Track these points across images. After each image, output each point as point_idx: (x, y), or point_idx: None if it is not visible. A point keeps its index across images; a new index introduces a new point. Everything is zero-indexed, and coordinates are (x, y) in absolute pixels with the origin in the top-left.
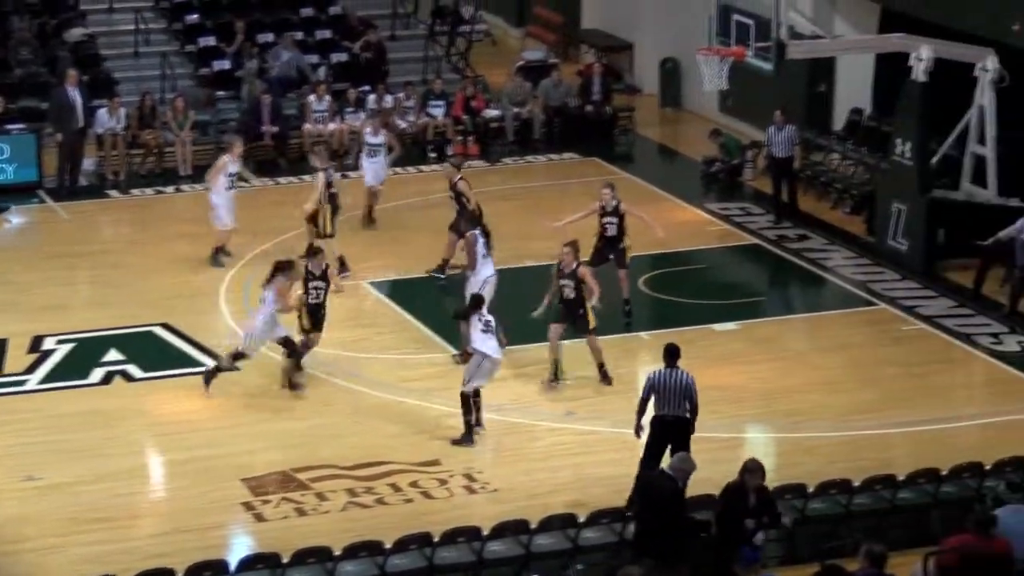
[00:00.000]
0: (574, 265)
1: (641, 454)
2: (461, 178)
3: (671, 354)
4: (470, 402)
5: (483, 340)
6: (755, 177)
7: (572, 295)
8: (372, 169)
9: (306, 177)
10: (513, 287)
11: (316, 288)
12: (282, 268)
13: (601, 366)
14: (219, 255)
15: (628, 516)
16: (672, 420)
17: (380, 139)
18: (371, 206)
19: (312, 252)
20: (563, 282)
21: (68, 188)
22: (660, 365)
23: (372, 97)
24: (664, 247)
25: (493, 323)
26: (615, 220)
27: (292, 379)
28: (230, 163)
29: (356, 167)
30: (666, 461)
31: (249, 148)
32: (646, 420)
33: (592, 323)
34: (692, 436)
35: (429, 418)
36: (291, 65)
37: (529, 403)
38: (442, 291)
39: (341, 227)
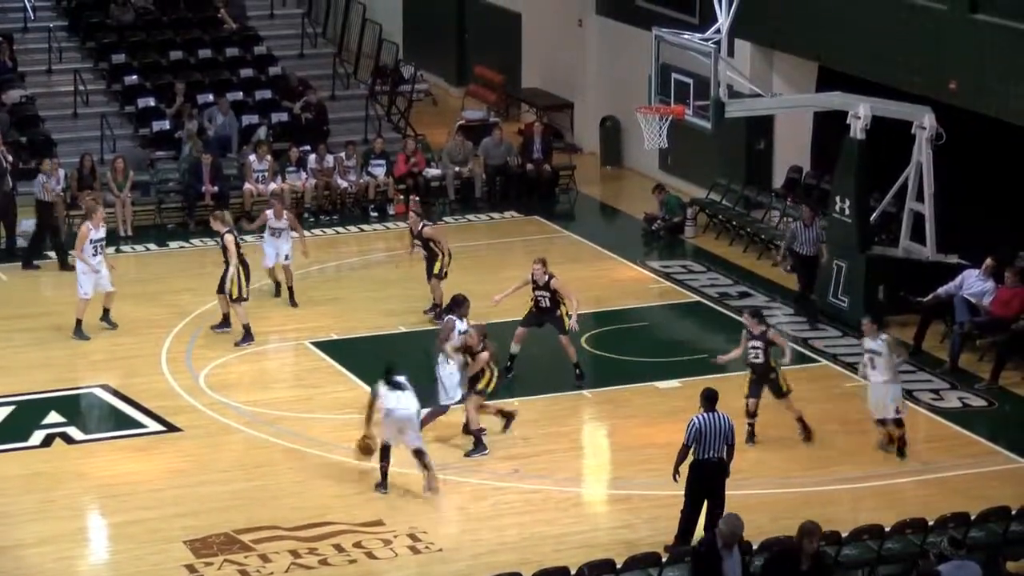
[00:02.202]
0: (546, 278)
1: (684, 500)
2: (425, 224)
3: (710, 399)
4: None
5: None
6: (696, 235)
7: (547, 304)
8: (274, 247)
9: (247, 237)
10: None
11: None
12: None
13: (576, 366)
14: (81, 327)
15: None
16: (715, 463)
17: (283, 223)
18: (290, 285)
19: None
20: (538, 293)
21: (5, 250)
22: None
23: (313, 157)
24: (606, 305)
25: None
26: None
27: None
28: (92, 230)
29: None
30: None
31: (190, 208)
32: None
33: (567, 325)
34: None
35: (372, 478)
36: (227, 127)
37: (474, 462)
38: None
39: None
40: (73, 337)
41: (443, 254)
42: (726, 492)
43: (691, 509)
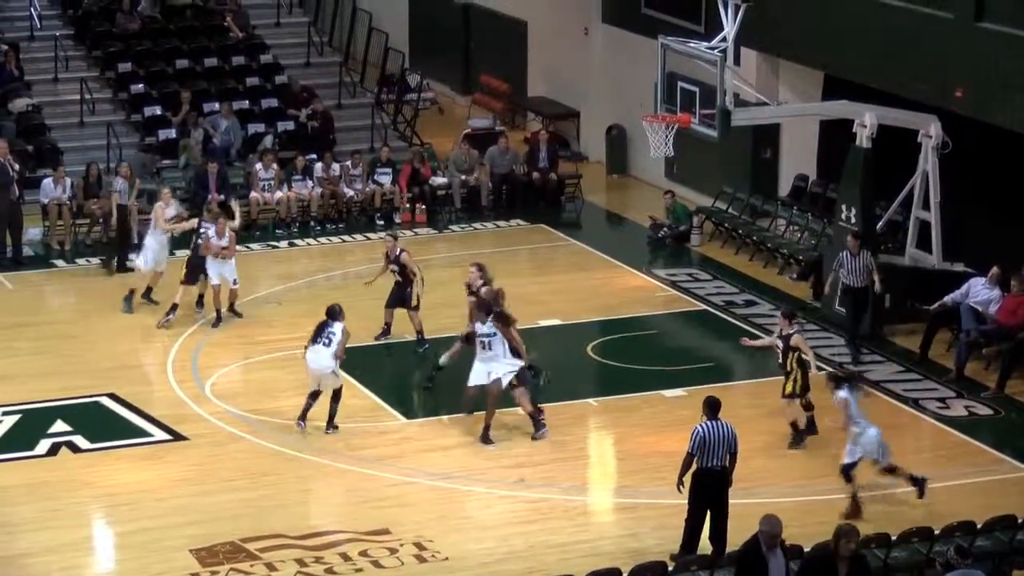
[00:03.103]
0: (480, 283)
1: (688, 509)
2: (403, 250)
3: (713, 407)
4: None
5: None
6: (702, 243)
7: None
8: (215, 267)
9: (254, 246)
10: (461, 354)
11: None
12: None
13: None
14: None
15: None
16: (718, 471)
17: (225, 240)
18: (232, 302)
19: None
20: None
21: (12, 258)
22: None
23: (319, 165)
24: (612, 313)
25: None
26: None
27: None
28: (165, 208)
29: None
30: None
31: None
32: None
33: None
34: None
35: (378, 487)
36: (231, 133)
37: (480, 470)
38: (390, 359)
39: (286, 297)
40: (122, 308)
41: (418, 281)
42: (730, 500)
43: (696, 518)
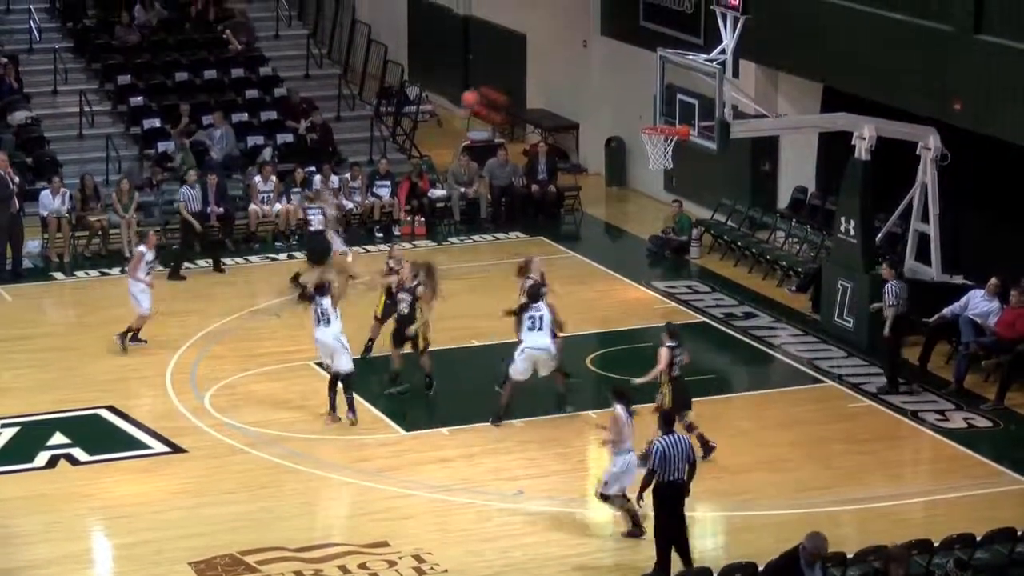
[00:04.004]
0: (414, 283)
1: (655, 523)
2: (421, 284)
3: (668, 421)
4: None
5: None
6: (701, 256)
7: (407, 311)
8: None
9: (253, 258)
10: (461, 367)
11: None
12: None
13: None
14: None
15: None
16: (680, 484)
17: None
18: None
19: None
20: (401, 295)
21: (12, 271)
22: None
23: (318, 178)
24: (611, 325)
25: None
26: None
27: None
28: (146, 252)
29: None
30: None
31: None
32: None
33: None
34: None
35: (378, 499)
36: (225, 141)
37: (478, 483)
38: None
39: (285, 309)
40: (128, 343)
41: (420, 319)
42: (730, 512)
43: (669, 530)
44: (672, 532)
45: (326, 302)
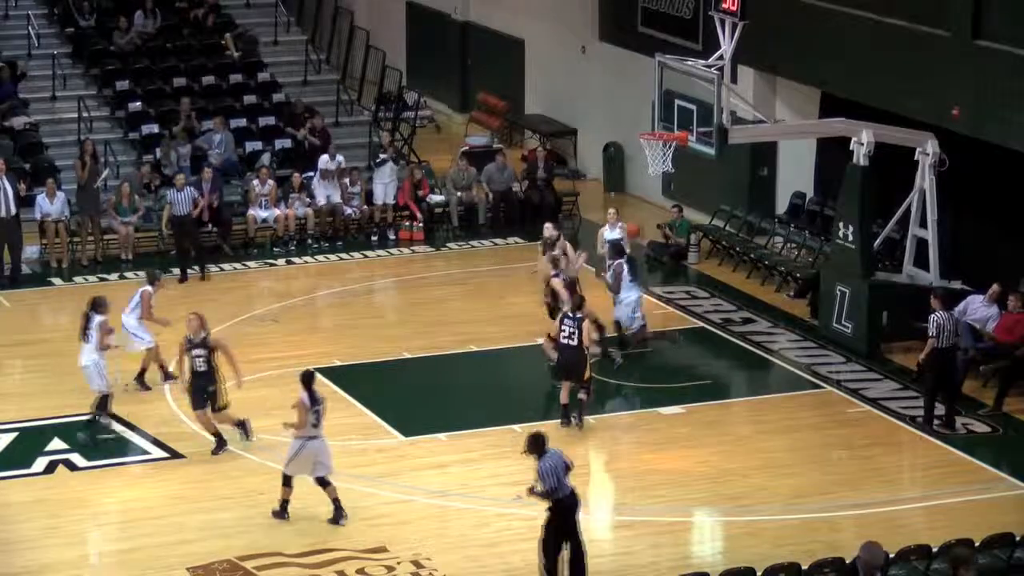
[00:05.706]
0: (203, 334)
1: (546, 540)
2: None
3: (540, 444)
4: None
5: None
6: (699, 261)
7: (203, 367)
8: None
9: (251, 263)
10: (458, 372)
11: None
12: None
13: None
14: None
15: None
16: (571, 492)
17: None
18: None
19: None
20: (195, 352)
21: (10, 277)
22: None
23: (324, 157)
24: (609, 331)
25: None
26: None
27: None
28: (153, 295)
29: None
30: None
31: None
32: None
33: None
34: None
35: (376, 504)
36: (224, 146)
37: (476, 488)
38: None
39: (283, 314)
40: (138, 388)
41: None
42: (729, 517)
43: (557, 547)
44: (559, 548)
45: (97, 320)
